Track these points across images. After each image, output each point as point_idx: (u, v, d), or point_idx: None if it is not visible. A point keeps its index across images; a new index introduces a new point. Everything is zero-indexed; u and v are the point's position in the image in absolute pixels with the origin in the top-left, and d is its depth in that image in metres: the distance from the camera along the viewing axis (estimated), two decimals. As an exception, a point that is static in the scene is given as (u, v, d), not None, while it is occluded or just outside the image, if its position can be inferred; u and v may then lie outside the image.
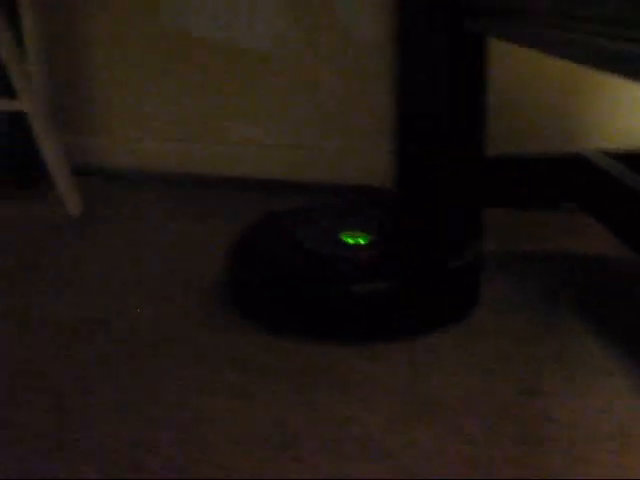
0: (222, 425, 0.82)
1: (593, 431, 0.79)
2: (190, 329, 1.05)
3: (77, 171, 1.59)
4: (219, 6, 1.70)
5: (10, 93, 1.51)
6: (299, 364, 0.95)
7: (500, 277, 1.18)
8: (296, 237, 1.11)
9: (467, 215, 1.27)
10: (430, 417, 0.82)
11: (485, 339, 1.00)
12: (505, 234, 1.37)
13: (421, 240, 1.14)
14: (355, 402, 0.86)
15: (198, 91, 1.78)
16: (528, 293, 1.13)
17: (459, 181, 1.26)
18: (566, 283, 1.16)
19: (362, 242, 1.10)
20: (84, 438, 0.80)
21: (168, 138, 1.84)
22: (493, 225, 1.35)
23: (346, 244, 1.10)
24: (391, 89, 1.51)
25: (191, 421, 0.83)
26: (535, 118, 1.54)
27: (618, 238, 1.20)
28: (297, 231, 1.13)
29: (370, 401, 0.86)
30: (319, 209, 1.29)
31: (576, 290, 1.14)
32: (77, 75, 1.89)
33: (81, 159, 1.89)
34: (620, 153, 1.30)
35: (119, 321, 1.08)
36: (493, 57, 1.24)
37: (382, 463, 0.75)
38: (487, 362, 0.94)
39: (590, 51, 0.74)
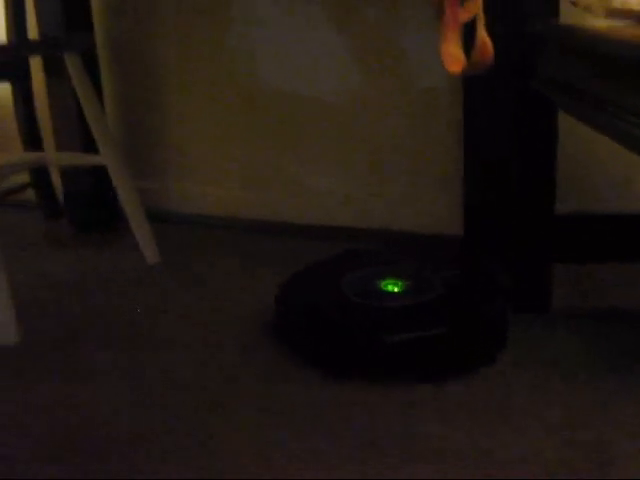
0: None
1: None
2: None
3: (150, 216, 1.65)
4: (292, 58, 1.74)
5: (89, 145, 1.59)
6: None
7: (564, 333, 1.19)
8: (339, 284, 1.20)
9: (532, 268, 1.28)
10: None
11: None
12: (576, 289, 1.37)
13: (456, 289, 1.20)
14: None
15: (269, 140, 1.83)
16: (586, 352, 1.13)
17: (526, 235, 1.27)
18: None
19: (398, 290, 1.18)
20: None
21: (239, 185, 1.89)
22: (565, 280, 1.35)
23: (384, 292, 1.18)
24: (460, 139, 1.53)
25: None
26: (602, 178, 1.54)
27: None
28: (340, 278, 1.22)
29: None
30: (365, 255, 1.37)
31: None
32: (153, 122, 1.96)
33: (153, 204, 1.97)
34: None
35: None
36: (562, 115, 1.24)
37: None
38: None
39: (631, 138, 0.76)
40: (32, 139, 1.97)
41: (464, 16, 0.77)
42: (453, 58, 0.75)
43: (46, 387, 1.13)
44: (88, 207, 1.91)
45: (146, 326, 1.32)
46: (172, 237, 1.80)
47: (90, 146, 1.69)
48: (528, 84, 1.15)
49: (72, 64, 1.47)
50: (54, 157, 1.62)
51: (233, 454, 0.93)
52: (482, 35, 0.71)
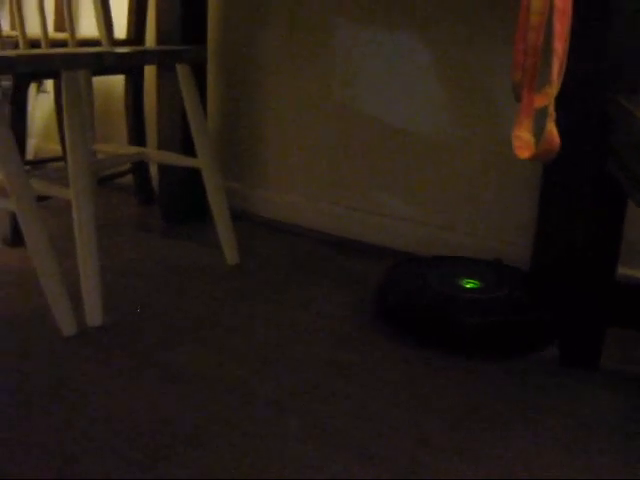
0: None
1: None
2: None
3: (235, 216, 1.77)
4: (390, 88, 1.82)
5: (187, 146, 1.71)
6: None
7: (601, 391, 1.23)
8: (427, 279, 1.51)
9: (587, 326, 1.32)
10: None
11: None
12: (628, 355, 1.40)
13: (515, 294, 1.48)
14: None
15: (359, 162, 1.91)
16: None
17: (585, 295, 1.31)
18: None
19: (474, 287, 1.48)
20: None
21: (325, 200, 1.99)
22: (620, 343, 1.39)
23: (463, 287, 1.48)
24: (535, 195, 1.58)
25: None
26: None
27: None
28: (428, 275, 1.53)
29: None
30: (449, 260, 1.65)
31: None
32: (252, 129, 2.08)
33: (239, 205, 2.10)
34: None
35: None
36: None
37: None
38: None
39: None
40: (137, 132, 2.12)
41: (539, 102, 0.83)
42: (523, 143, 0.81)
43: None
44: (179, 200, 2.04)
45: (223, 324, 1.43)
46: (254, 240, 1.91)
47: (188, 147, 1.82)
48: (602, 165, 1.19)
49: (182, 74, 1.59)
50: (155, 155, 1.75)
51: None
52: (551, 127, 0.77)
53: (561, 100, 1.42)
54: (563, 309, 1.36)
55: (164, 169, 2.04)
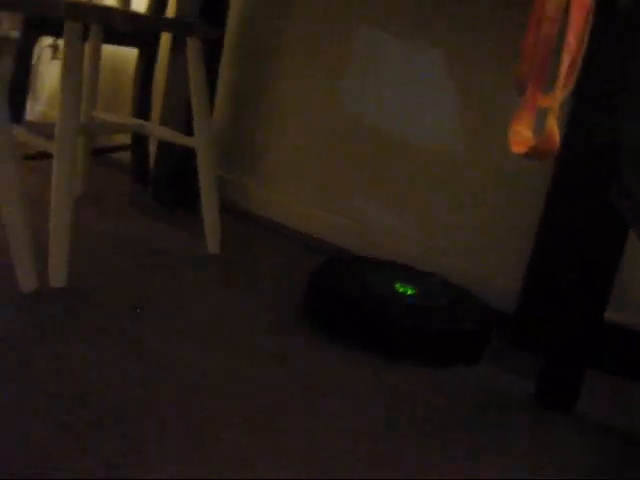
0: None
1: None
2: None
3: (227, 208, 1.71)
4: (399, 99, 1.77)
5: (191, 127, 1.66)
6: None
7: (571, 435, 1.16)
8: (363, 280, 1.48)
9: (569, 367, 1.26)
10: None
11: None
12: (603, 400, 1.34)
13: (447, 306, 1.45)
14: None
15: (354, 172, 1.86)
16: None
17: (570, 335, 1.25)
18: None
19: (409, 292, 1.46)
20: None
21: (316, 205, 1.93)
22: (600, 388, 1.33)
23: (397, 291, 1.46)
24: (534, 223, 1.52)
25: None
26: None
27: None
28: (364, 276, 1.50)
29: None
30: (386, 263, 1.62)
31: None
32: (257, 120, 2.04)
33: (233, 197, 2.04)
34: None
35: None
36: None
37: None
38: None
39: None
40: (142, 107, 2.08)
41: (544, 102, 0.78)
42: (520, 138, 0.75)
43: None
44: (173, 184, 1.98)
45: (173, 306, 1.37)
46: (241, 234, 1.85)
47: (191, 130, 1.77)
48: (605, 196, 1.14)
49: (192, 48, 1.54)
50: (151, 129, 1.70)
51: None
52: (552, 125, 0.72)
53: (573, 119, 1.38)
54: (545, 347, 1.30)
55: (162, 150, 1.99)
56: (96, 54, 1.80)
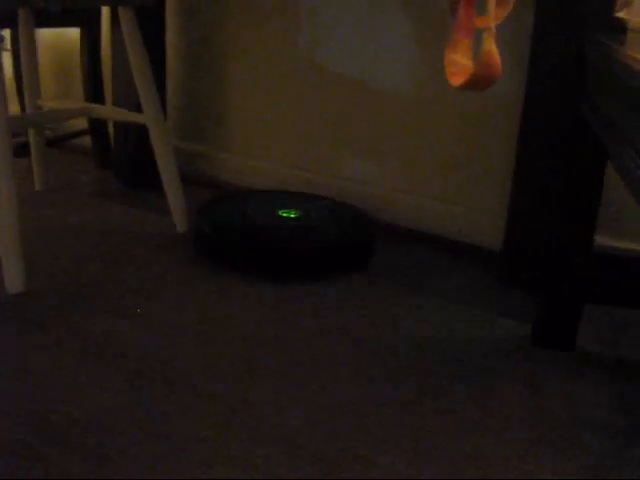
0: None
1: None
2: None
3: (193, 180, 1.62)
4: (359, 42, 1.67)
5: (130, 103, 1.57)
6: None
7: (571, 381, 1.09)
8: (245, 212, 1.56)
9: (564, 303, 1.18)
10: None
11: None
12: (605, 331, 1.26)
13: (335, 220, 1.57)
14: None
15: (322, 123, 1.77)
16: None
17: (563, 267, 1.17)
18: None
19: (292, 216, 1.54)
20: None
21: (290, 164, 1.84)
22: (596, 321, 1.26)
23: (280, 217, 1.54)
24: (512, 150, 1.43)
25: None
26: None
27: None
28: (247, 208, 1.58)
29: None
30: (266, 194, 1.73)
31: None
32: (211, 87, 1.93)
33: (198, 168, 1.95)
34: None
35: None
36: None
37: None
38: None
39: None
40: (93, 90, 1.98)
41: (480, 22, 0.68)
42: (456, 68, 0.67)
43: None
44: (134, 164, 1.89)
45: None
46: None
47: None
48: (578, 108, 1.05)
49: (125, 18, 1.45)
50: (99, 110, 1.61)
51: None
52: (490, 47, 0.62)
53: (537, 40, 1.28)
54: (538, 284, 1.23)
55: (119, 132, 1.90)
56: (31, 40, 1.69)
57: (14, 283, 1.27)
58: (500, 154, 1.54)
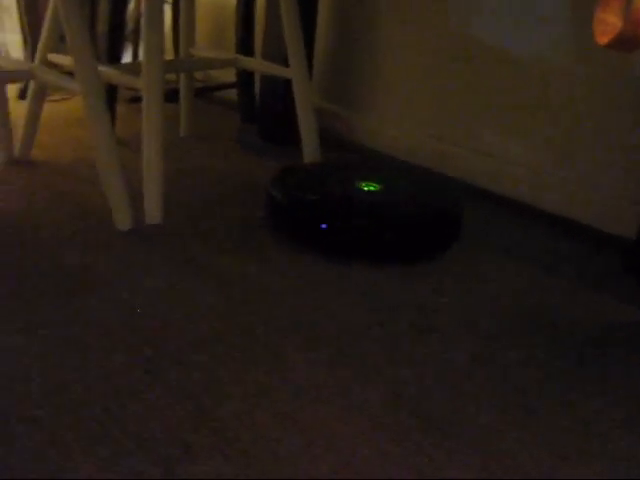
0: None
1: None
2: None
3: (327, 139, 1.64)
4: (505, 13, 1.63)
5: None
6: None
7: None
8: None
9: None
10: None
11: None
12: None
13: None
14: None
15: (464, 95, 1.74)
16: None
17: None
18: None
19: (373, 189, 1.43)
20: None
21: (425, 134, 1.84)
22: None
23: (361, 189, 1.43)
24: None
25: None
26: None
27: None
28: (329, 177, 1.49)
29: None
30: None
31: None
32: (359, 54, 1.95)
33: (331, 128, 1.98)
34: None
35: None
36: None
37: None
38: None
39: None
40: (245, 44, 2.04)
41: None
42: (606, 27, 0.64)
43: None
44: (278, 120, 1.94)
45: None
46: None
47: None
48: None
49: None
50: (247, 62, 1.66)
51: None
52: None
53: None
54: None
55: (265, 87, 1.95)
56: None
57: (153, 215, 1.35)
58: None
